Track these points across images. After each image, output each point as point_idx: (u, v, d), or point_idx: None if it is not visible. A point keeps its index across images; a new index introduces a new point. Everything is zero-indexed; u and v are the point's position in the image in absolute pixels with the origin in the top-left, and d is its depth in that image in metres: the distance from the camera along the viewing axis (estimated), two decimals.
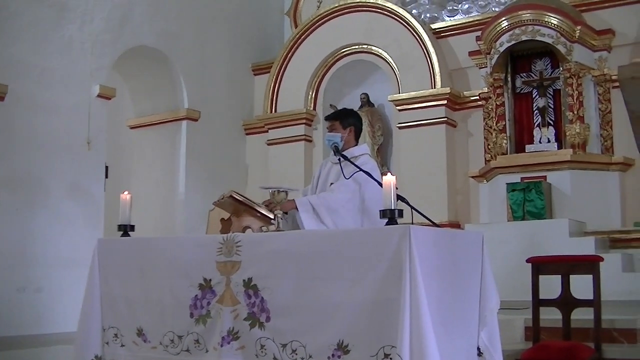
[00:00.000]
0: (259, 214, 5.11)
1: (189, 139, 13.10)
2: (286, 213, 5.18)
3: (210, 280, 4.40)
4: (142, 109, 13.52)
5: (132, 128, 13.70)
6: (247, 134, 14.53)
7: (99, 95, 11.20)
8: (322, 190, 5.58)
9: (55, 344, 8.30)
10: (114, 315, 4.86)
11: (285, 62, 14.04)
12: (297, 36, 14.02)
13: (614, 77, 11.30)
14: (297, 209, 5.16)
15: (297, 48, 14.01)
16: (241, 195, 5.16)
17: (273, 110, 14.03)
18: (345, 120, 5.69)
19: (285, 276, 4.09)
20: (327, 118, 5.80)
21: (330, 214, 5.18)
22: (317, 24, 13.89)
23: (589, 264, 6.20)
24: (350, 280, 3.84)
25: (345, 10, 13.63)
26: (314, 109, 13.86)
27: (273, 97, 14.06)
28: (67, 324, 8.89)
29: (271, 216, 5.00)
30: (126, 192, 5.21)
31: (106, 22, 11.55)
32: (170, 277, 4.58)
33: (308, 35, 13.96)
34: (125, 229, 5.14)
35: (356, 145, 5.72)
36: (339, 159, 5.46)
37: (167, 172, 13.14)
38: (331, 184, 5.50)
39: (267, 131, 14.08)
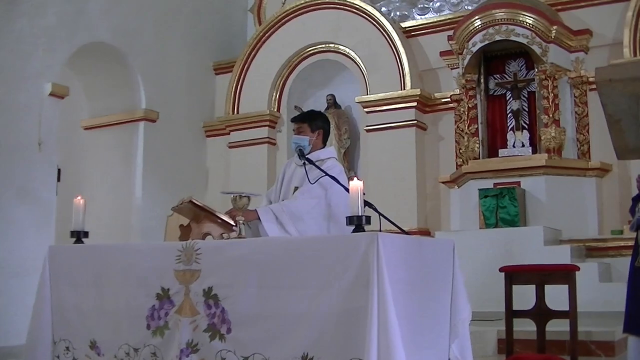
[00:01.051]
0: (219, 220, 5.10)
1: (147, 141, 13.02)
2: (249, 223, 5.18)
3: (168, 289, 4.38)
4: (97, 108, 13.42)
5: (86, 129, 13.59)
6: (207, 136, 14.48)
7: (51, 94, 11.09)
8: (286, 192, 5.58)
9: (3, 359, 8.20)
10: (65, 327, 4.82)
11: (248, 61, 14.02)
12: (261, 34, 14.01)
13: (591, 79, 11.40)
14: (259, 219, 5.15)
15: (260, 46, 14.00)
16: (201, 201, 5.15)
17: (235, 111, 14.01)
18: (314, 122, 5.69)
19: (247, 285, 4.08)
20: (295, 120, 5.79)
21: (294, 221, 5.18)
22: (282, 21, 13.89)
23: (564, 274, 6.25)
24: (316, 289, 3.85)
25: (312, 8, 13.64)
26: (278, 110, 13.86)
27: (235, 97, 14.04)
28: (15, 337, 8.79)
29: (232, 222, 4.99)
30: (79, 197, 5.17)
31: (59, 16, 11.45)
32: (126, 286, 4.56)
33: (272, 33, 13.95)
34: (79, 236, 5.11)
35: (323, 148, 5.73)
36: (304, 163, 5.45)
37: (123, 176, 13.05)
38: (295, 188, 5.49)
39: (228, 133, 14.04)
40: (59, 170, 11.55)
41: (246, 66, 14.02)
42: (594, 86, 11.15)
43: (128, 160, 13.06)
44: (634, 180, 9.28)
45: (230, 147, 13.98)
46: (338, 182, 5.17)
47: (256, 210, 5.16)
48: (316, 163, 5.42)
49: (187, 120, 14.07)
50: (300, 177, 5.49)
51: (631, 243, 8.10)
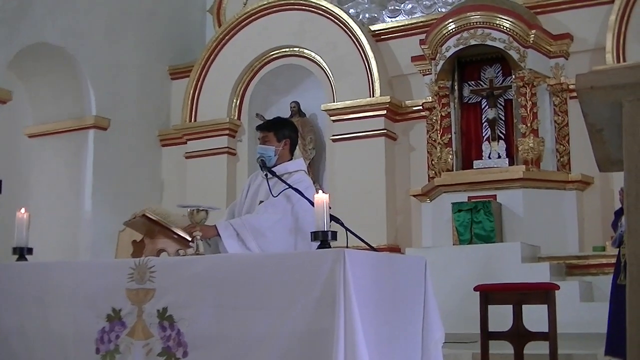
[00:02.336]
0: (175, 236, 5.08)
1: (97, 150, 12.95)
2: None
3: (119, 310, 4.34)
4: (43, 115, 13.32)
5: (30, 137, 13.48)
6: (163, 146, 14.43)
7: None
8: (250, 207, 5.55)
9: None
10: (5, 352, 4.76)
11: (206, 66, 14.00)
12: (221, 36, 14.00)
13: (571, 87, 11.50)
14: (219, 235, 5.12)
15: (220, 50, 13.99)
16: (155, 215, 5.12)
17: (192, 119, 13.97)
18: (280, 131, 5.66)
19: (205, 305, 4.06)
20: (260, 128, 5.77)
21: (256, 237, 5.15)
22: (243, 23, 13.89)
23: (543, 293, 6.30)
24: (278, 310, 3.84)
25: (275, 9, 13.66)
26: (239, 118, 13.84)
27: (193, 104, 14.00)
28: None
29: (189, 238, 4.96)
30: (23, 210, 5.12)
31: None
32: (74, 308, 4.51)
33: (233, 35, 13.95)
34: (22, 252, 5.06)
35: (291, 159, 5.71)
36: (266, 175, 5.44)
37: (71, 188, 12.96)
38: (261, 202, 5.47)
39: (185, 142, 14.00)
40: (0, 182, 11.45)
41: (204, 71, 14.00)
42: (574, 94, 11.21)
43: (76, 171, 12.97)
44: (616, 194, 9.40)
45: (187, 158, 13.94)
46: (303, 195, 5.16)
47: (215, 226, 5.13)
48: (284, 176, 5.40)
49: (141, 128, 14.01)
50: (266, 190, 5.46)
51: (614, 260, 8.19)
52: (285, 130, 5.68)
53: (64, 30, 12.42)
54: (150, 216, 5.05)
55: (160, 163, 14.44)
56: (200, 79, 14.01)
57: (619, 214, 7.81)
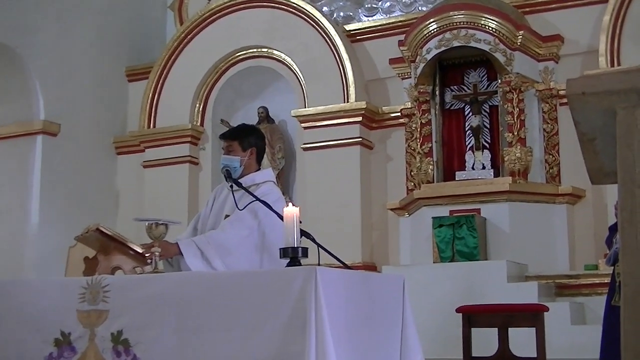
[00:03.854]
0: (131, 252, 5.06)
1: (46, 158, 12.87)
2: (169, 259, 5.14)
3: (69, 334, 4.32)
4: None
5: None
6: (118, 154, 14.38)
7: None
8: (215, 222, 5.54)
9: None
10: None
11: (167, 67, 13.97)
12: (183, 35, 13.98)
13: (561, 93, 11.52)
14: (181, 253, 5.10)
15: (182, 50, 13.96)
16: (110, 229, 5.10)
17: (151, 125, 13.93)
18: (246, 140, 5.67)
19: (164, 328, 4.05)
20: (223, 137, 5.77)
21: (222, 255, 5.13)
22: (207, 21, 13.88)
23: (531, 315, 6.33)
24: (245, 332, 3.83)
25: (242, 6, 13.65)
26: (202, 124, 13.82)
27: (151, 109, 13.96)
28: None
29: (146, 254, 4.95)
30: None
31: None
32: (18, 331, 4.48)
33: (196, 34, 13.92)
34: None
35: (259, 169, 5.71)
36: (232, 186, 5.44)
37: (16, 199, 12.87)
38: (226, 216, 5.46)
39: (143, 150, 13.95)
40: None
41: (165, 72, 13.96)
42: (565, 100, 11.25)
43: (22, 181, 12.88)
44: (610, 208, 9.45)
45: (145, 167, 13.89)
46: (271, 208, 5.16)
47: (177, 244, 5.11)
48: (251, 187, 5.41)
49: (94, 134, 13.95)
50: (232, 203, 5.45)
51: (607, 279, 8.25)
52: (251, 139, 5.69)
53: (9, 26, 12.35)
54: (105, 230, 5.03)
55: (116, 172, 14.37)
56: (160, 82, 13.97)
57: (613, 229, 7.87)
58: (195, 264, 5.07)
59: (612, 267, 7.77)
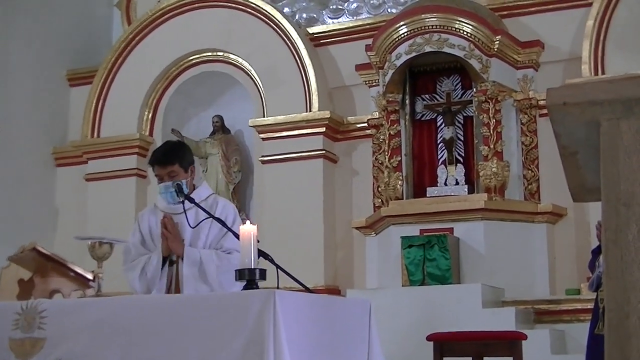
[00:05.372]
0: (72, 273, 5.03)
1: None
2: (166, 259, 5.21)
3: None
4: None
5: None
6: (58, 165, 14.29)
7: None
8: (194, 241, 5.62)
9: None
10: None
11: (113, 71, 13.92)
12: (131, 36, 13.94)
13: (541, 103, 11.60)
14: (181, 258, 5.21)
15: (129, 52, 13.92)
16: (47, 249, 5.07)
17: (95, 134, 13.86)
18: (185, 159, 5.76)
19: (109, 357, 4.02)
20: (161, 163, 5.75)
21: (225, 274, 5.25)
22: (158, 21, 13.85)
23: (508, 343, 6.36)
24: None
25: (196, 5, 13.64)
26: (151, 134, 13.77)
27: (95, 117, 13.90)
28: None
29: (89, 276, 4.93)
30: None
31: None
32: None
33: (145, 35, 13.89)
34: None
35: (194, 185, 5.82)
36: (182, 201, 5.45)
37: None
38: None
39: (86, 162, 13.89)
40: None
41: (110, 77, 13.91)
42: (545, 111, 11.33)
43: None
44: (593, 228, 9.49)
45: (87, 180, 13.81)
46: (226, 226, 5.19)
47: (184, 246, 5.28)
48: (200, 203, 5.47)
49: (32, 144, 13.87)
50: (214, 228, 5.52)
51: (590, 305, 8.29)
52: (187, 156, 5.83)
53: None
54: (42, 250, 5.00)
55: (55, 186, 14.29)
56: (105, 87, 13.91)
57: (596, 252, 7.91)
58: (188, 281, 5.16)
59: (596, 293, 7.82)
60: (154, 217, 5.73)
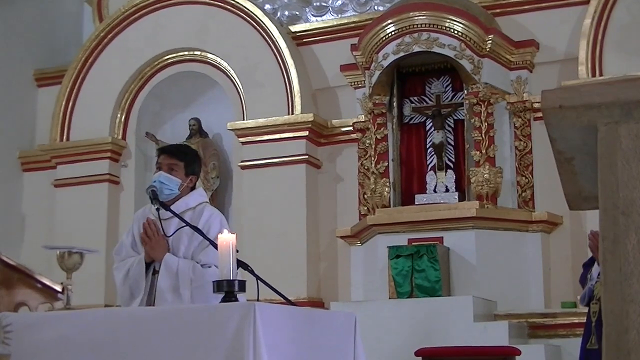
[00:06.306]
0: (39, 285, 5.02)
1: None
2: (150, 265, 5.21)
3: None
4: None
5: None
6: (25, 170, 14.26)
7: None
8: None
9: None
10: None
11: (83, 71, 13.89)
12: (102, 34, 13.91)
13: (536, 106, 11.62)
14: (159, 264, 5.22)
15: (101, 51, 13.89)
16: (13, 259, 5.06)
17: (64, 137, 13.83)
18: (192, 165, 5.82)
19: None
20: (168, 152, 5.83)
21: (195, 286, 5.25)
22: (131, 18, 13.83)
23: (501, 359, 6.36)
24: None
25: (172, 2, 13.62)
26: (124, 138, 13.75)
27: (65, 119, 13.87)
28: None
29: (57, 288, 4.91)
30: None
31: None
32: None
33: (117, 33, 13.87)
34: None
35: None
36: (157, 209, 5.45)
37: None
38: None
39: (54, 167, 13.85)
40: None
41: (81, 77, 13.88)
42: (539, 114, 11.36)
43: None
44: None
45: (56, 186, 13.78)
46: (206, 237, 5.20)
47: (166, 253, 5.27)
48: (186, 212, 5.48)
49: None
50: (195, 239, 5.53)
51: (585, 319, 8.30)
52: (196, 166, 5.87)
53: None
54: (7, 260, 4.99)
55: (22, 192, 14.26)
56: (75, 88, 13.88)
57: (588, 265, 7.93)
58: (162, 290, 5.16)
59: (588, 307, 7.84)
60: (144, 220, 5.75)
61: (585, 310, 8.37)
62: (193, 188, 5.85)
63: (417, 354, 6.53)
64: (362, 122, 12.47)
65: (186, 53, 13.65)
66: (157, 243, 5.26)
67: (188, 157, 5.84)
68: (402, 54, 11.85)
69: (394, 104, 12.28)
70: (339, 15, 13.55)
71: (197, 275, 5.32)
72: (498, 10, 12.29)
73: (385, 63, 11.94)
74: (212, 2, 13.38)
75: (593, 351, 7.15)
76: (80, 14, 15.39)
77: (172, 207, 5.52)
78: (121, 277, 5.43)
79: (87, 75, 13.91)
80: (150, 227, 5.38)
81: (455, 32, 11.65)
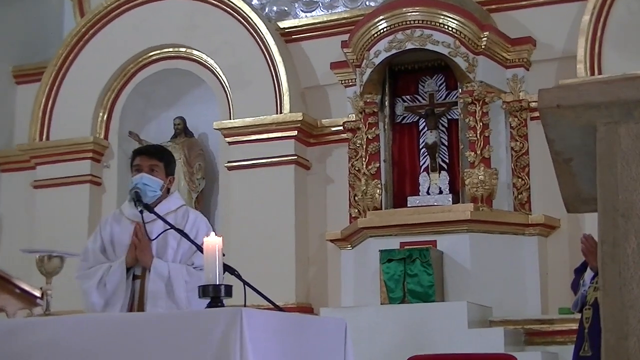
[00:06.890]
0: (17, 290, 5.01)
1: None
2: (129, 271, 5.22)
3: None
4: None
5: None
6: (2, 171, 14.23)
7: None
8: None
9: None
10: None
11: (64, 68, 13.86)
12: (84, 30, 13.89)
13: (532, 105, 11.62)
14: (148, 270, 5.22)
15: (82, 47, 13.87)
16: None
17: (44, 137, 13.80)
18: (170, 165, 5.86)
19: None
20: (148, 153, 5.85)
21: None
22: (114, 13, 13.81)
23: None
24: None
25: None
26: (106, 138, 13.72)
27: (45, 118, 13.84)
28: None
29: (37, 293, 4.91)
30: None
31: None
32: None
33: (100, 29, 13.85)
34: None
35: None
36: (141, 211, 5.45)
37: None
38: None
39: (34, 167, 13.83)
40: None
41: (61, 74, 13.86)
42: (536, 114, 11.36)
43: None
44: None
45: (35, 187, 13.76)
46: (193, 242, 5.21)
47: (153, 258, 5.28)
48: (169, 215, 5.49)
49: None
50: (184, 243, 5.54)
51: None
52: (173, 165, 5.93)
53: None
54: None
55: (0, 193, 14.22)
56: (56, 85, 13.86)
57: (580, 271, 7.93)
58: (152, 295, 5.18)
59: (580, 313, 7.85)
60: (118, 224, 5.75)
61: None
62: (167, 190, 5.88)
63: None
64: (353, 121, 12.46)
65: (171, 50, 13.64)
66: (147, 248, 5.27)
67: (167, 157, 5.88)
68: (394, 51, 11.84)
69: (386, 102, 12.27)
70: (329, 11, 13.53)
71: (192, 277, 5.33)
72: (494, 6, 12.29)
73: (377, 60, 11.93)
74: None
75: (586, 358, 7.16)
76: (61, 8, 15.36)
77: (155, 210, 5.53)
78: (92, 285, 5.41)
79: (67, 72, 13.88)
80: (140, 232, 5.39)
81: (450, 28, 11.65)
